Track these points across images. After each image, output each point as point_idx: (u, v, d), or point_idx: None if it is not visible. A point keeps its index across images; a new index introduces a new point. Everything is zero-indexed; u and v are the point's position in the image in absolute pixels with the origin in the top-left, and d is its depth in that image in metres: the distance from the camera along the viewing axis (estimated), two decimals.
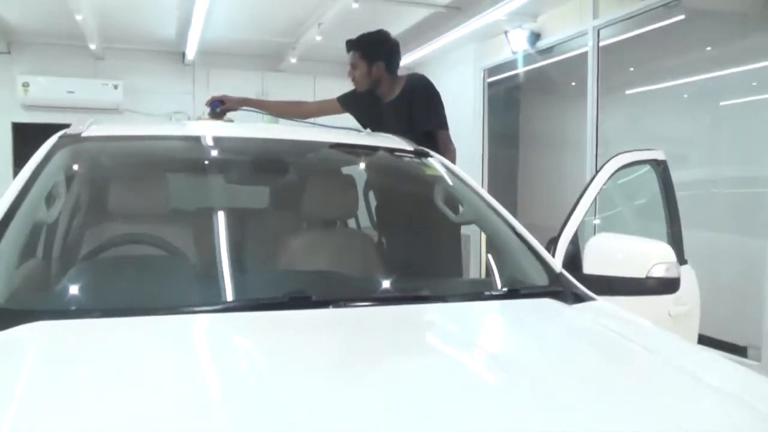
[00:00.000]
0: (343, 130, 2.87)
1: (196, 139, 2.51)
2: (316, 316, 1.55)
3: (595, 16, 5.57)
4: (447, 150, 3.35)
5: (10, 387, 1.07)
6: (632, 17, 5.22)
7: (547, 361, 1.40)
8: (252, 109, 3.66)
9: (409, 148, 2.52)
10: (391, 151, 2.54)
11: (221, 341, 1.43)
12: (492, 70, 7.22)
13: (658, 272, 2.24)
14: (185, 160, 2.51)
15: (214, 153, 2.51)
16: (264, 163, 2.60)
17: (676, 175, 2.83)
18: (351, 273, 2.18)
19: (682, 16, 5.04)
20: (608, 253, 2.28)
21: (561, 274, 1.98)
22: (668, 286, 2.25)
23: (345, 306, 1.62)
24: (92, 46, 7.50)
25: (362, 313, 1.63)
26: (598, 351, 1.51)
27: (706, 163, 5.08)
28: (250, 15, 6.62)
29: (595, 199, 2.63)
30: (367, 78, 3.62)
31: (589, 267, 2.20)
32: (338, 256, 2.33)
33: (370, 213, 3.12)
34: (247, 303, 1.65)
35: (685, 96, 5.48)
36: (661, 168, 2.84)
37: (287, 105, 3.96)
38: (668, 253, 2.29)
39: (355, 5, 5.62)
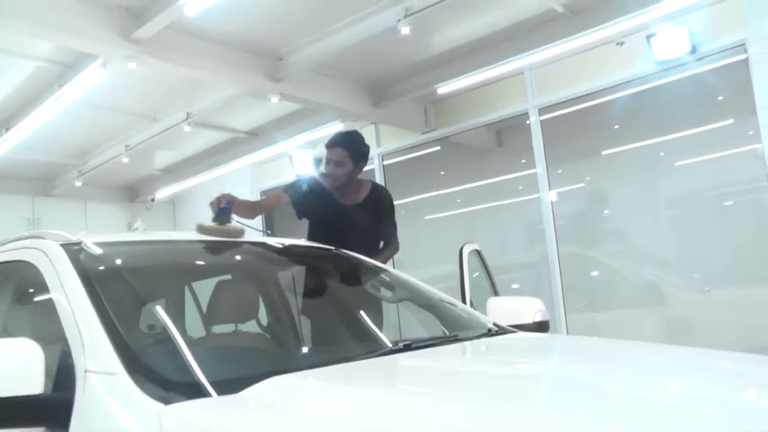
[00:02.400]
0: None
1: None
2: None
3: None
4: (393, 247, 3.90)
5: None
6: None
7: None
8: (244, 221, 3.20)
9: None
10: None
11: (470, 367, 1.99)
12: None
13: (538, 317, 3.16)
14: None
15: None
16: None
17: None
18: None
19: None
20: (505, 308, 3.13)
21: (494, 323, 2.78)
22: (544, 325, 3.18)
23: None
24: None
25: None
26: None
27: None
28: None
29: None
30: (349, 177, 3.69)
31: (495, 318, 3.04)
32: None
33: None
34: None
35: None
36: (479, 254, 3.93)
37: (248, 206, 3.64)
38: (541, 304, 3.23)
39: (188, 128, 6.11)
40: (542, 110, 5.72)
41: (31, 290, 2.18)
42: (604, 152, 5.92)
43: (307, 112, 5.98)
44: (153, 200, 8.69)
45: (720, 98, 5.26)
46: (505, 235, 6.42)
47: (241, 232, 2.83)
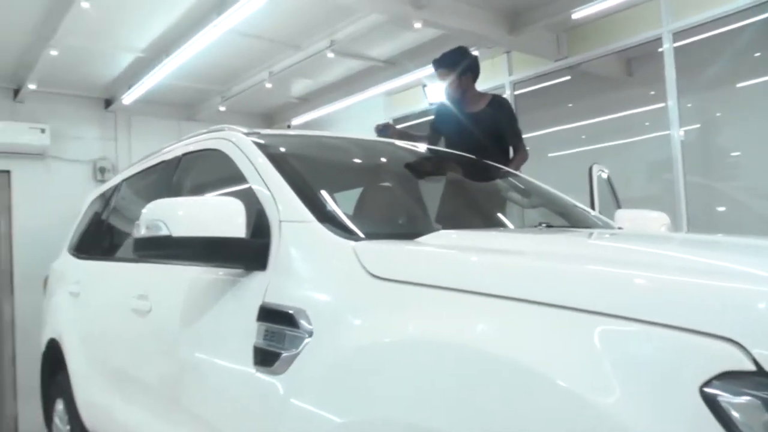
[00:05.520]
0: None
1: None
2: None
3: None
4: (523, 153, 4.34)
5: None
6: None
7: None
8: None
9: None
10: None
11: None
12: None
13: (664, 230, 3.33)
14: None
15: None
16: None
17: None
18: None
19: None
20: (631, 218, 3.32)
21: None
22: None
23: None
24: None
25: None
26: None
27: None
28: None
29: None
30: (458, 88, 4.32)
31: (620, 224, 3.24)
32: None
33: None
34: None
35: None
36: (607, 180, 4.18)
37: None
38: (667, 218, 3.39)
39: (331, 55, 6.50)
40: (676, 35, 5.66)
41: (223, 169, 2.59)
42: (739, 84, 5.79)
43: (442, 41, 6.21)
44: (289, 126, 9.17)
45: None
46: (630, 173, 6.43)
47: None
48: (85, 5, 5.07)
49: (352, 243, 1.88)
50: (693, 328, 1.10)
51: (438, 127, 4.58)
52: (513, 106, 6.83)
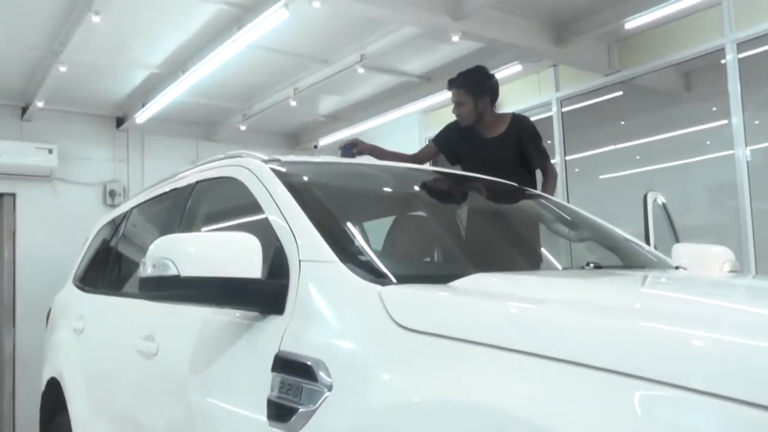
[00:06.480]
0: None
1: None
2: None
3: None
4: (554, 176, 4.28)
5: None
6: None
7: None
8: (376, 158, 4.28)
9: None
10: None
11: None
12: None
13: (727, 267, 3.24)
14: None
15: None
16: None
17: None
18: None
19: None
20: (691, 255, 3.24)
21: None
22: None
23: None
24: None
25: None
26: None
27: None
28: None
29: None
30: (474, 113, 4.24)
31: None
32: None
33: None
34: None
35: None
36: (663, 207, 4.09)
37: (401, 157, 4.48)
38: (731, 254, 3.30)
39: (361, 70, 6.52)
40: (741, 45, 5.56)
41: (239, 201, 2.58)
42: None
43: (482, 54, 6.20)
44: (316, 147, 9.17)
45: None
46: (690, 198, 6.33)
47: None
48: (96, 19, 5.14)
49: (378, 287, 1.83)
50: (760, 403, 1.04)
51: (451, 150, 4.52)
52: (560, 124, 6.84)
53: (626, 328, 1.34)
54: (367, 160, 4.18)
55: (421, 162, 4.47)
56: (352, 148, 4.38)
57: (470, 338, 1.50)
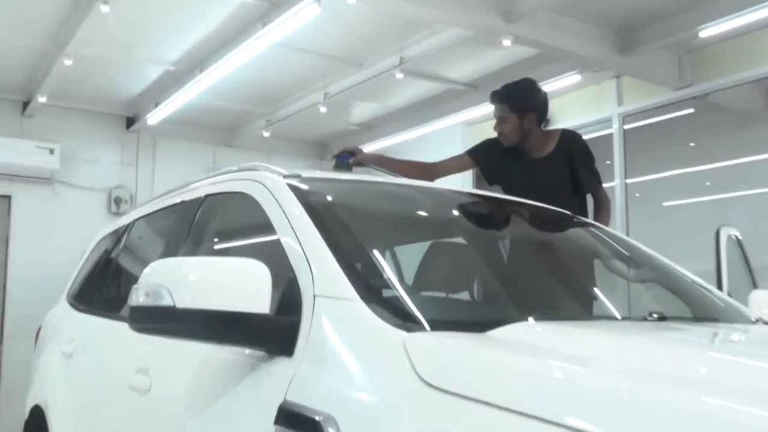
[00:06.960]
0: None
1: None
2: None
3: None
4: (607, 202, 4.14)
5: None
6: None
7: None
8: (382, 169, 4.13)
9: None
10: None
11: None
12: None
13: None
14: None
15: None
16: None
17: None
18: None
19: None
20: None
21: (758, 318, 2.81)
22: None
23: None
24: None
25: None
26: None
27: None
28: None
29: None
30: (518, 132, 4.08)
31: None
32: None
33: None
34: None
35: None
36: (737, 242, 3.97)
37: (416, 166, 4.34)
38: None
39: (400, 75, 6.48)
40: None
41: (251, 220, 2.50)
42: None
43: (535, 61, 6.12)
44: (335, 157, 9.07)
45: None
46: None
47: None
48: (104, 9, 5.13)
49: (403, 334, 1.74)
50: None
51: (492, 171, 4.38)
52: (621, 143, 6.71)
53: (695, 410, 1.25)
54: (367, 172, 4.05)
55: (444, 174, 4.30)
56: (348, 157, 4.16)
57: (507, 405, 1.40)
